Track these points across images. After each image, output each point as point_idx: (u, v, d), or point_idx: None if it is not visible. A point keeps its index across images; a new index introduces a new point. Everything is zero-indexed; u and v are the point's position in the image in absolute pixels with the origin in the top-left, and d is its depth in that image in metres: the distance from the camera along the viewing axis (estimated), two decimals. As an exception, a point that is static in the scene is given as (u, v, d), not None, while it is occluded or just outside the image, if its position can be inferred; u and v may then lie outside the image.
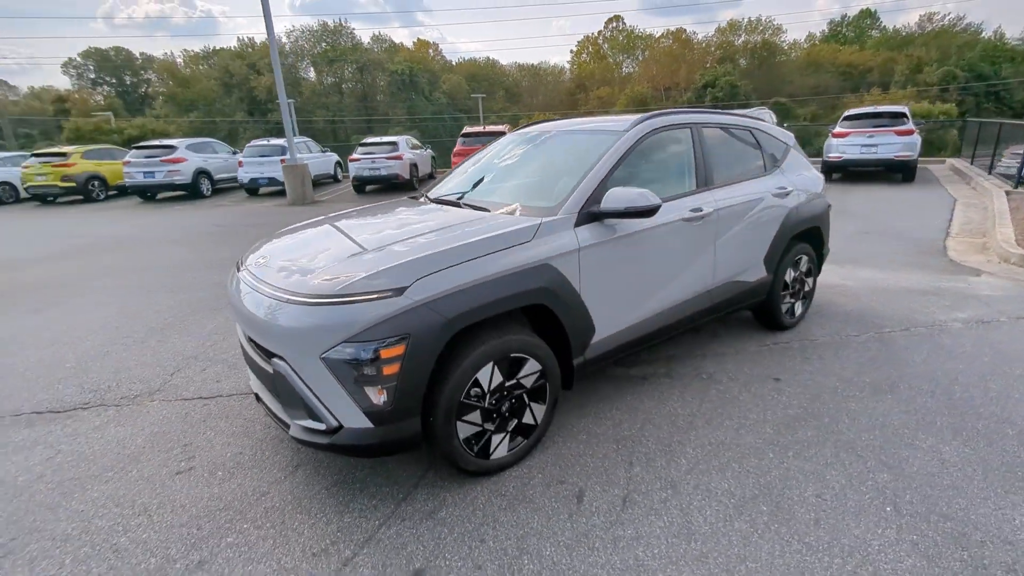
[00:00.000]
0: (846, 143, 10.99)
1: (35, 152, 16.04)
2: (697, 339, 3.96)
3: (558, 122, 3.83)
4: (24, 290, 6.17)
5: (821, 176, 4.30)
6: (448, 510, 2.30)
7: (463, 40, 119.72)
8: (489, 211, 2.85)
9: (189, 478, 2.59)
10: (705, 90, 39.54)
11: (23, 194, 15.74)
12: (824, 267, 5.47)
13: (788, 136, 4.15)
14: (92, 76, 64.76)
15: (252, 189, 14.98)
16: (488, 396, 2.37)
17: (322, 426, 2.17)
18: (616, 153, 2.91)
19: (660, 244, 2.99)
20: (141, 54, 67.63)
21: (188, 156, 14.56)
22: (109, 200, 15.84)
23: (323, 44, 59.34)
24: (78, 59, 64.03)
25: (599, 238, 2.68)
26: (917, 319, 4.18)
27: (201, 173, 14.87)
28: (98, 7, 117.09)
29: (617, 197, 2.63)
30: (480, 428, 2.39)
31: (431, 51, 66.16)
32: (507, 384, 2.43)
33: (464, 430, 2.34)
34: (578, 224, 2.63)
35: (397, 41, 64.28)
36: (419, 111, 51.31)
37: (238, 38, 66.27)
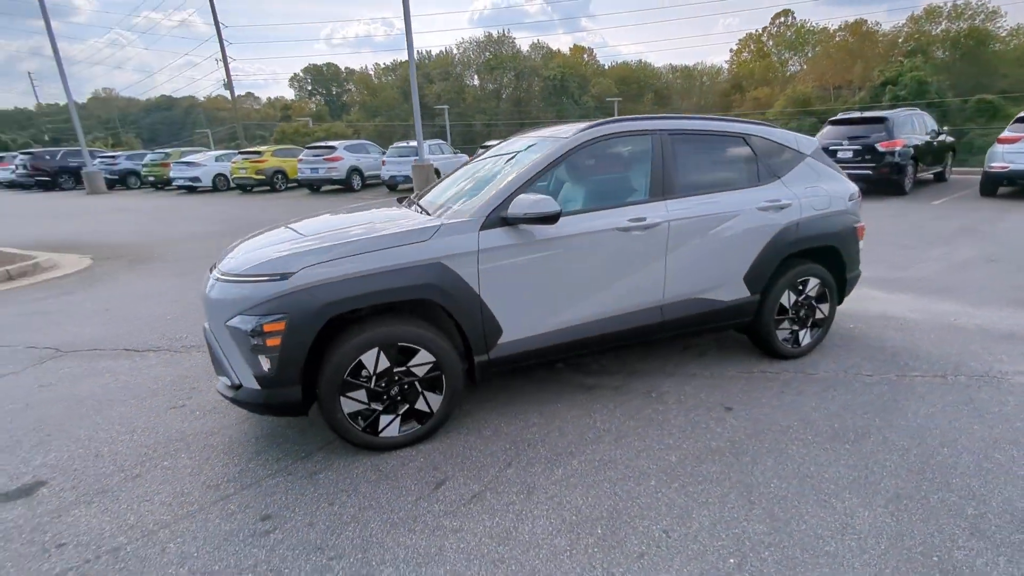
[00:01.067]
0: (1014, 150, 8.76)
1: (240, 151, 19.66)
2: (678, 357, 3.65)
3: (545, 129, 3.79)
4: (190, 257, 7.74)
5: (852, 189, 3.65)
6: (327, 473, 2.53)
7: (623, 43, 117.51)
8: (430, 213, 2.99)
9: (177, 413, 3.17)
10: (884, 88, 33.88)
11: (231, 184, 19.39)
12: (894, 295, 4.65)
13: (806, 144, 3.60)
14: (309, 88, 76.83)
15: (392, 185, 16.64)
16: (374, 378, 2.54)
17: (230, 383, 2.54)
18: (544, 161, 2.86)
19: (584, 252, 2.86)
20: (346, 68, 78.27)
21: (345, 155, 16.69)
22: (288, 191, 18.80)
23: (487, 53, 62.81)
24: (300, 74, 76.31)
25: (508, 242, 2.67)
26: (967, 366, 3.35)
27: (354, 170, 16.93)
28: (322, 30, 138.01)
29: (519, 203, 2.62)
30: (367, 406, 2.57)
31: (585, 56, 66.14)
32: (395, 370, 2.57)
33: (349, 405, 2.54)
34: (485, 228, 2.65)
35: (555, 48, 65.28)
36: (568, 114, 51.78)
37: (416, 51, 73.69)
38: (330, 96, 76.33)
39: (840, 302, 3.81)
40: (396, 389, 2.61)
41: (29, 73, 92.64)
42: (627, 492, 2.31)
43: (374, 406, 2.59)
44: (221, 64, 30.60)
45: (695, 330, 3.35)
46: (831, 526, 2.06)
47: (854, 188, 3.67)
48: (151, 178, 21.39)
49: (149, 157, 22.31)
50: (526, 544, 2.03)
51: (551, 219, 2.59)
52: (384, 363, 2.54)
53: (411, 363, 2.60)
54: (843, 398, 3.02)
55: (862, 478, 2.34)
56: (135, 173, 22.55)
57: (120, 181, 22.79)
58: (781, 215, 3.30)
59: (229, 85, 32.68)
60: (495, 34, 63.56)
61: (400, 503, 2.30)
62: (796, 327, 3.52)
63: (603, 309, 2.97)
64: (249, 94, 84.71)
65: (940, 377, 3.22)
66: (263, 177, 18.07)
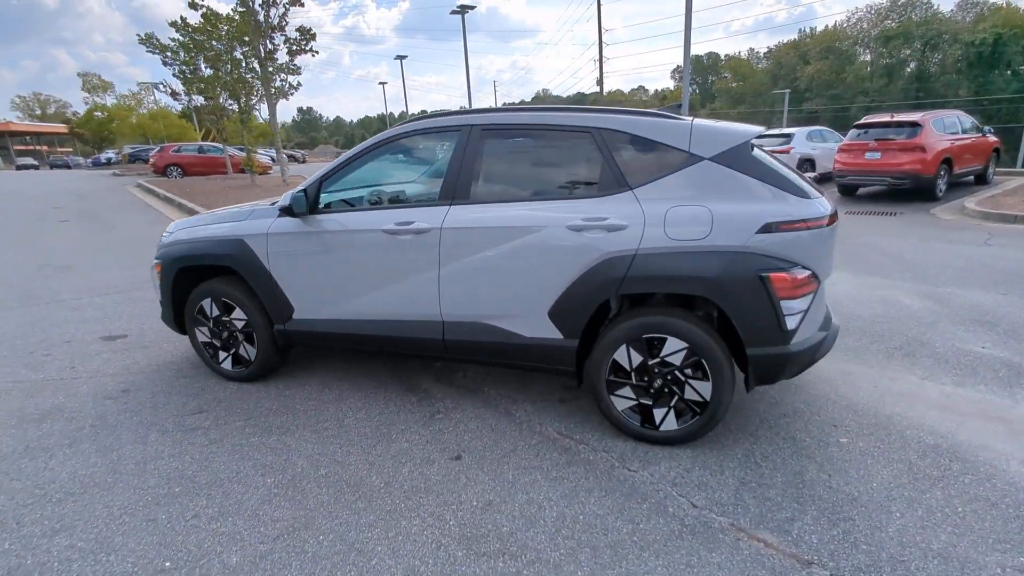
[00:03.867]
0: None
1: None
2: (543, 391, 3.21)
3: None
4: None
5: (773, 216, 2.40)
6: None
7: None
8: None
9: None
10: None
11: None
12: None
13: (713, 140, 2.54)
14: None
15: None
16: (211, 322, 3.46)
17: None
18: (346, 157, 3.11)
19: (346, 250, 3.03)
20: (726, 56, 77.89)
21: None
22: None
23: (887, 22, 51.41)
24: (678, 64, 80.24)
25: (291, 229, 3.12)
26: (928, 432, 1.90)
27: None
28: (719, 18, 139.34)
29: (285, 196, 3.04)
30: (210, 342, 3.52)
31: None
32: (223, 319, 3.43)
33: (201, 338, 3.54)
34: (282, 215, 3.15)
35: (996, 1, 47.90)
36: (994, 90, 38.07)
37: (799, 29, 66.29)
38: (705, 84, 77.55)
39: (748, 388, 2.59)
40: (226, 333, 3.46)
41: (494, 83, 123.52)
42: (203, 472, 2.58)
43: (214, 342, 3.51)
44: (599, 64, 35.89)
45: (498, 362, 2.95)
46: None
47: (783, 214, 2.40)
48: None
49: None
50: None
51: (287, 212, 2.95)
52: (215, 312, 3.43)
53: (232, 316, 3.39)
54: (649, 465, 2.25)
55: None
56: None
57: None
58: (606, 240, 2.54)
59: (600, 82, 38.03)
60: (902, -3, 51.11)
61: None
62: (647, 401, 2.65)
63: (379, 311, 3.05)
64: (640, 87, 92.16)
65: (858, 439, 1.97)
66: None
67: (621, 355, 2.60)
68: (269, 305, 3.28)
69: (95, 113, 49.02)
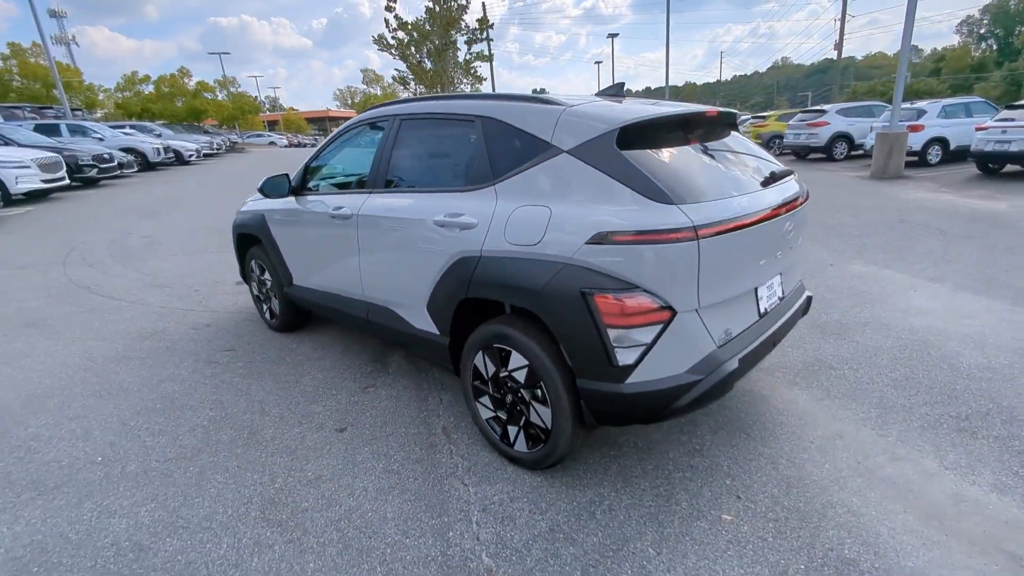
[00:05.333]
0: None
1: (753, 115, 20.12)
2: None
3: None
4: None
5: (614, 225, 1.95)
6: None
7: None
8: None
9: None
10: None
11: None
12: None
13: (576, 130, 2.15)
14: (980, 31, 62.12)
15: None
16: (256, 280, 4.29)
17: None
18: (322, 144, 3.49)
19: (310, 229, 3.42)
20: None
21: (832, 121, 14.59)
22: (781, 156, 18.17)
23: None
24: (975, 15, 62.35)
25: (286, 207, 3.65)
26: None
27: (840, 137, 14.61)
28: None
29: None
30: (257, 296, 4.37)
31: None
32: (261, 278, 4.21)
33: (253, 291, 4.42)
34: (288, 195, 3.69)
35: None
36: None
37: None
38: (1006, 39, 59.01)
39: (588, 424, 2.19)
40: (264, 289, 4.23)
41: (722, 53, 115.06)
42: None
43: (259, 295, 4.33)
44: (840, 25, 30.94)
45: (403, 347, 3.06)
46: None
47: (622, 223, 1.93)
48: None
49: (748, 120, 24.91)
50: None
51: (261, 191, 3.44)
52: (256, 271, 4.22)
53: (264, 276, 4.14)
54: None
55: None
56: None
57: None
58: (458, 239, 2.40)
59: (839, 45, 32.75)
60: None
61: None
62: (503, 415, 2.47)
63: (334, 286, 3.39)
64: (914, 47, 75.62)
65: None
66: (759, 142, 18.19)
67: (480, 362, 2.48)
68: (279, 270, 3.91)
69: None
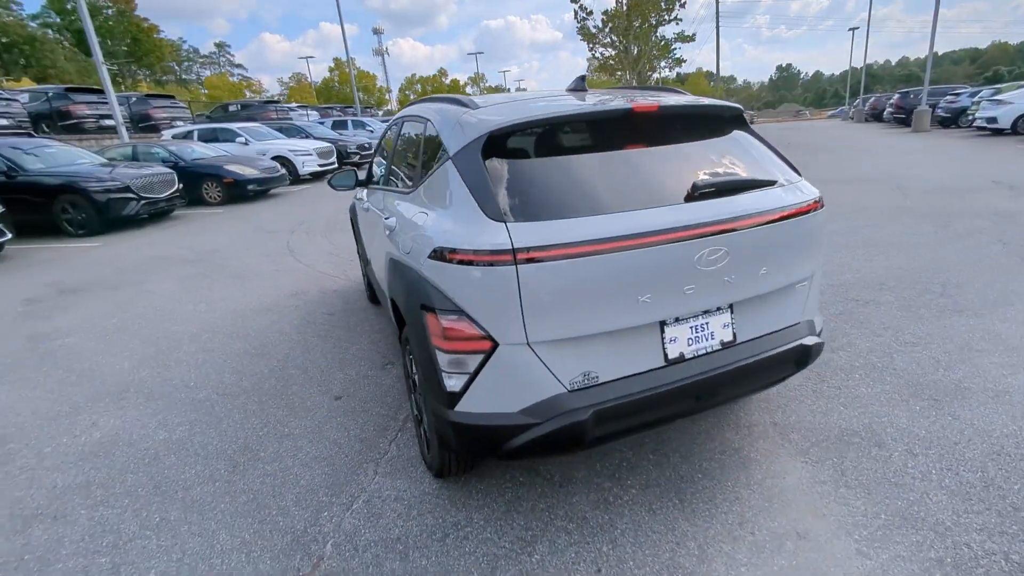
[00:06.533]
0: None
1: None
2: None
3: None
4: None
5: (444, 242, 1.75)
6: (354, 294, 5.25)
7: None
8: None
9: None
10: None
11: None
12: None
13: (458, 135, 1.97)
14: None
15: None
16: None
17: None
18: (377, 143, 3.77)
19: (361, 218, 3.72)
20: None
21: None
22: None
23: None
24: None
25: (359, 196, 4.06)
26: None
27: None
28: None
29: None
30: (364, 271, 5.01)
31: None
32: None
33: (360, 268, 5.08)
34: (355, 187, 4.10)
35: None
36: None
37: None
38: None
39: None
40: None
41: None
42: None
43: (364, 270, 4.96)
44: None
45: None
46: (186, 414, 3.08)
47: (454, 238, 1.74)
48: (970, 116, 19.33)
49: (982, 93, 19.80)
50: None
51: (330, 184, 3.79)
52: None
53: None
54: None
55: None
56: (965, 111, 20.79)
57: (952, 120, 21.70)
58: (389, 240, 2.44)
59: None
60: None
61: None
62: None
63: (374, 271, 3.70)
64: None
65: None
66: None
67: (411, 364, 2.48)
68: (360, 253, 4.40)
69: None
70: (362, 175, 3.81)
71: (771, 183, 2.05)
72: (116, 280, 6.15)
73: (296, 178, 14.73)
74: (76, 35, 43.53)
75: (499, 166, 1.85)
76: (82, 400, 3.35)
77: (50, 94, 16.35)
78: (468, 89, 55.67)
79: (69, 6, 42.47)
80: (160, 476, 2.53)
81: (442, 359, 1.81)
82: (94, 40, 14.32)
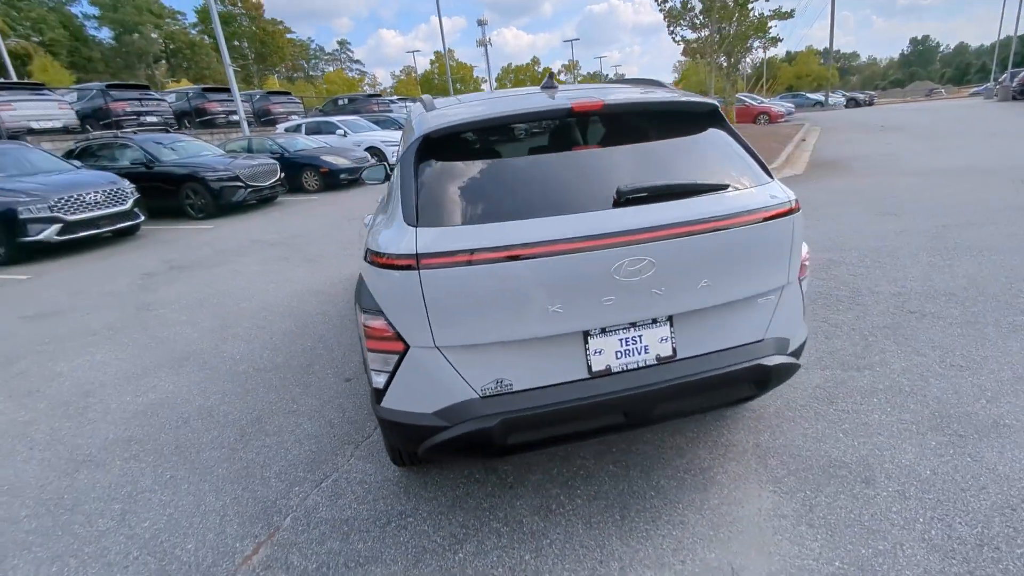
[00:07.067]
0: None
1: None
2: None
3: None
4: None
5: None
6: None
7: None
8: None
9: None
10: None
11: None
12: None
13: (404, 141, 1.96)
14: None
15: None
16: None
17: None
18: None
19: None
20: None
21: None
22: None
23: None
24: None
25: None
26: None
27: None
28: None
29: None
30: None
31: None
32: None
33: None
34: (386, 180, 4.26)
35: None
36: None
37: None
38: None
39: None
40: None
41: None
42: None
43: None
44: None
45: None
46: (223, 385, 3.43)
47: (379, 241, 1.84)
48: None
49: None
50: (310, 316, 4.63)
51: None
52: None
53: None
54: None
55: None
56: None
57: None
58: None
59: None
60: None
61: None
62: None
63: None
64: None
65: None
66: None
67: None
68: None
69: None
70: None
71: (721, 187, 1.84)
72: (214, 260, 6.91)
73: (388, 175, 15.50)
74: (233, 39, 48.84)
75: (430, 170, 1.84)
76: (152, 364, 3.84)
77: (190, 94, 18.52)
78: (562, 76, 54.89)
79: (220, 7, 47.63)
80: (184, 438, 2.85)
81: (368, 356, 1.86)
82: (223, 44, 15.98)
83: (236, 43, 48.32)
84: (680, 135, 1.99)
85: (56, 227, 7.58)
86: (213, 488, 2.43)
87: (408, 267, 1.65)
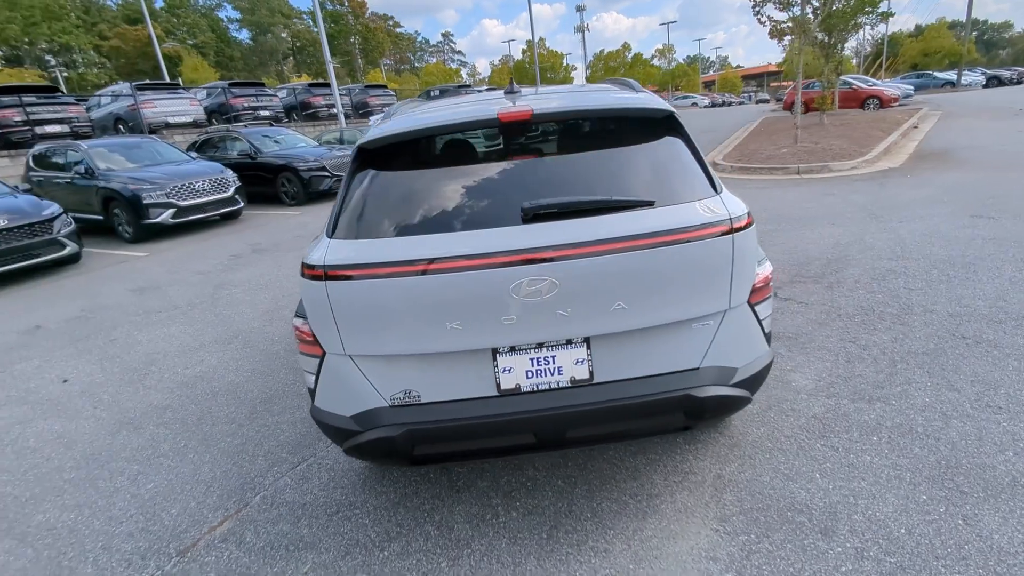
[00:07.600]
0: None
1: None
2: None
3: None
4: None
5: None
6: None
7: None
8: None
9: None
10: None
11: None
12: None
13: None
14: None
15: None
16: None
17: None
18: None
19: None
20: None
21: None
22: None
23: None
24: None
25: None
26: None
27: None
28: None
29: None
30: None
31: None
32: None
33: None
34: None
35: None
36: None
37: None
38: None
39: None
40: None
41: None
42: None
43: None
44: None
45: None
46: (255, 363, 3.74)
47: (313, 252, 1.79)
48: None
49: None
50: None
51: None
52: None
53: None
54: (298, 432, 2.77)
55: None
56: None
57: None
58: None
59: None
60: None
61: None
62: None
63: None
64: None
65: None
66: None
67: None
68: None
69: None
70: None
71: (646, 204, 1.66)
72: (291, 244, 7.50)
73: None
74: (340, 36, 52.19)
75: (359, 182, 1.85)
76: (208, 340, 4.28)
77: (297, 89, 20.00)
78: (655, 62, 52.14)
79: (328, 6, 50.79)
80: (206, 411, 3.17)
81: (300, 357, 1.93)
82: (324, 41, 17.03)
83: (338, 41, 51.24)
84: (627, 144, 1.83)
85: (171, 211, 8.63)
86: (211, 460, 2.68)
87: (317, 278, 1.70)
